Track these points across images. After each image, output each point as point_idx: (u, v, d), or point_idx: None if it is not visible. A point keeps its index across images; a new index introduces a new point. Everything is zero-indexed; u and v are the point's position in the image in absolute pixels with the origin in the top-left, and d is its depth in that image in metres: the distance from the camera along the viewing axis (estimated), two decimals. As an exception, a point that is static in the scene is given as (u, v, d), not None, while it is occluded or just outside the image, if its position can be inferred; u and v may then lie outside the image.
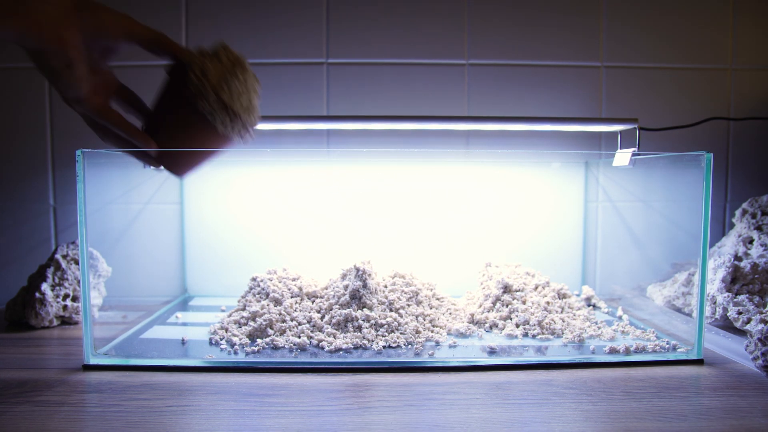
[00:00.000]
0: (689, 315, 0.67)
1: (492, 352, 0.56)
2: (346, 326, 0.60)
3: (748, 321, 0.59)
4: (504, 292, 0.67)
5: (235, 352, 0.55)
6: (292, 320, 0.60)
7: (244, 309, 0.63)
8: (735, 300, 0.62)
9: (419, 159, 0.85)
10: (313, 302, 0.65)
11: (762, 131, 0.87)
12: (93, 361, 0.53)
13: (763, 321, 0.58)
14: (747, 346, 0.53)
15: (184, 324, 0.66)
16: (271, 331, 0.58)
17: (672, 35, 0.86)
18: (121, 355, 0.56)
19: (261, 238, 0.82)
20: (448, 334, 0.62)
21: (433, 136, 0.85)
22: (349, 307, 0.62)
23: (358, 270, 0.64)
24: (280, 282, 0.68)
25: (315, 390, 0.48)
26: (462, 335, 0.61)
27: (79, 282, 0.71)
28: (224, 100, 0.46)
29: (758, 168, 0.88)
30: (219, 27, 0.82)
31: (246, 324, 0.60)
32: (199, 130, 0.47)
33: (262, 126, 0.75)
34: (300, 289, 0.67)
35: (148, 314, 0.64)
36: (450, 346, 0.58)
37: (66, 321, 0.71)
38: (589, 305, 0.74)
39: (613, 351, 0.56)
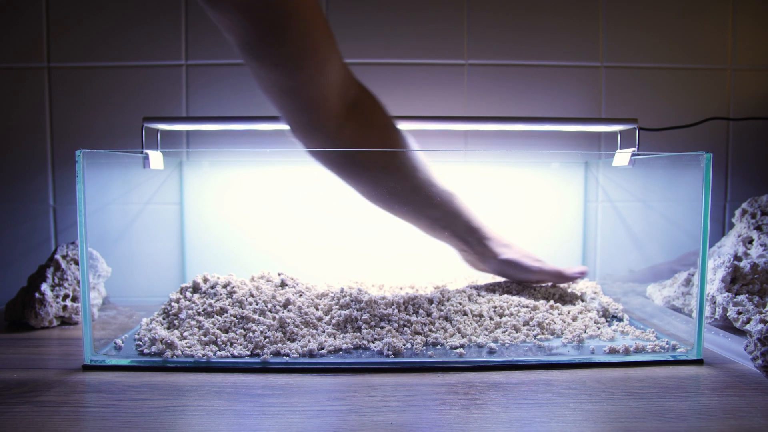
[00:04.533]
0: (689, 315, 0.67)
1: (491, 352, 0.56)
2: (345, 327, 0.60)
3: (748, 321, 0.59)
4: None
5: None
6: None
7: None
8: (735, 300, 0.62)
9: (419, 159, 0.85)
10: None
11: (762, 131, 0.87)
12: (92, 361, 0.54)
13: (762, 321, 0.58)
14: (746, 346, 0.53)
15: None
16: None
17: (672, 35, 0.86)
18: (120, 355, 0.56)
19: (261, 239, 0.82)
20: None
21: (433, 136, 0.85)
22: (349, 308, 0.62)
23: (352, 297, 0.64)
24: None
25: (315, 390, 0.48)
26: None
27: (78, 282, 0.71)
28: None
29: (758, 168, 0.88)
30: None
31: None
32: None
33: (262, 126, 0.75)
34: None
35: (147, 314, 0.64)
36: (450, 346, 0.58)
37: (66, 321, 0.71)
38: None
39: (613, 351, 0.56)
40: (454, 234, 0.69)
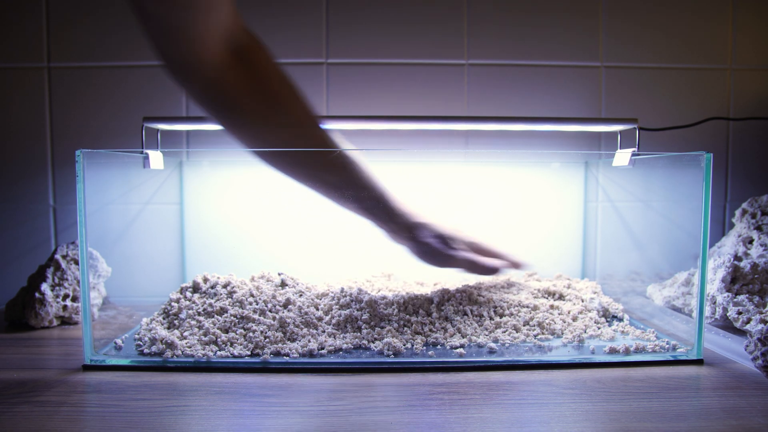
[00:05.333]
0: (689, 315, 0.67)
1: (491, 351, 0.56)
2: (346, 327, 0.60)
3: (748, 321, 0.59)
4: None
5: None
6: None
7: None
8: (735, 300, 0.62)
9: (419, 159, 0.85)
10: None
11: (762, 131, 0.87)
12: (93, 361, 0.54)
13: (762, 321, 0.58)
14: (747, 346, 0.53)
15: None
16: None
17: (672, 35, 0.86)
18: (120, 355, 0.56)
19: (261, 239, 0.82)
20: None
21: (433, 136, 0.85)
22: (349, 308, 0.62)
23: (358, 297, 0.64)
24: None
25: (315, 390, 0.48)
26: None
27: (79, 282, 0.71)
28: None
29: (758, 168, 0.88)
30: (219, 27, 0.82)
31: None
32: None
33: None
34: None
35: (147, 314, 0.64)
36: (450, 347, 0.58)
37: (66, 321, 0.71)
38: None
39: (613, 351, 0.56)
40: (361, 207, 0.66)
